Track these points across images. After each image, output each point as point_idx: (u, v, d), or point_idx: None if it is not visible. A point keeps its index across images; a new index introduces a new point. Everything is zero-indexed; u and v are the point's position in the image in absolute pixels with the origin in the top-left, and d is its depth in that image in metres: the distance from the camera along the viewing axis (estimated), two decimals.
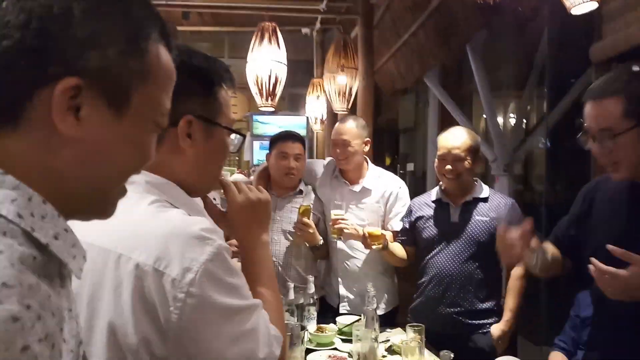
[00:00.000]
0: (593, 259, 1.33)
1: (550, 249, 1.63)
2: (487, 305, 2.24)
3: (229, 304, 0.81)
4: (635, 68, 1.41)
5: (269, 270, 1.04)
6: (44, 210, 0.50)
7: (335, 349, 2.11)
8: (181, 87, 0.65)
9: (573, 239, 1.61)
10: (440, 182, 2.39)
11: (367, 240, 2.26)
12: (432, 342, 2.00)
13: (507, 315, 2.26)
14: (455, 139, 2.25)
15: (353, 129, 2.51)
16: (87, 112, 0.52)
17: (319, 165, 2.73)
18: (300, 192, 2.59)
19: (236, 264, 1.04)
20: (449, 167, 2.22)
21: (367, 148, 2.55)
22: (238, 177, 3.00)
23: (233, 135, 0.99)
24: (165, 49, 0.61)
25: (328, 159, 2.81)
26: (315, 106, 5.39)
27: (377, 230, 2.29)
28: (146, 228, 0.81)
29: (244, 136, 1.03)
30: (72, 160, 0.53)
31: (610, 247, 1.31)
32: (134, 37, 0.56)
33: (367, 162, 2.62)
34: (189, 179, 0.93)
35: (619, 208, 1.46)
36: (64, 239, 0.52)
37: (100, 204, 0.59)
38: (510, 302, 2.26)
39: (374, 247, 2.28)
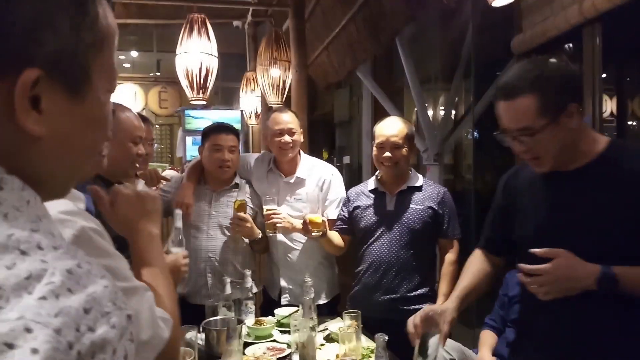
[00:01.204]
0: (521, 265, 1.35)
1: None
2: (421, 290, 2.31)
3: None
4: (543, 59, 1.43)
5: (160, 261, 1.03)
6: (43, 210, 0.47)
7: (274, 340, 2.10)
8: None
9: (503, 236, 1.61)
10: (377, 172, 2.44)
11: (307, 226, 2.26)
12: (370, 329, 2.03)
13: (441, 300, 2.33)
14: (392, 127, 2.30)
15: (294, 118, 2.54)
16: (47, 103, 0.46)
17: (253, 158, 2.71)
18: (236, 185, 2.55)
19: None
20: (387, 154, 2.27)
21: (301, 138, 2.58)
22: (170, 173, 2.91)
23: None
24: (109, 9, 0.55)
25: (263, 152, 2.79)
26: (249, 100, 5.33)
27: (318, 217, 2.30)
28: None
29: None
30: (38, 158, 0.48)
31: (532, 250, 1.34)
32: (82, 5, 0.49)
33: (299, 153, 2.62)
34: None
35: (541, 197, 1.48)
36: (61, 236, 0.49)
37: (63, 189, 0.55)
38: (443, 287, 2.34)
39: (313, 234, 2.29)
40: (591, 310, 1.34)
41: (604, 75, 2.47)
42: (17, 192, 0.44)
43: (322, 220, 2.30)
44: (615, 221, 1.31)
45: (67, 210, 0.78)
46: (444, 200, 2.33)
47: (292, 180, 2.54)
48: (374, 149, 2.34)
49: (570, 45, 2.92)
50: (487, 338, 2.34)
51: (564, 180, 1.41)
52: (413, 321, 1.52)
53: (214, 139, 2.46)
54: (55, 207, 0.75)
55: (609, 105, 4.12)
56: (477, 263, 1.69)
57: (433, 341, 2.23)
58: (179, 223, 1.84)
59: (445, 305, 1.58)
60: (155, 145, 8.16)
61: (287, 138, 2.46)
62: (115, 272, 0.80)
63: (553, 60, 1.40)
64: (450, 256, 2.36)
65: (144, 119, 1.93)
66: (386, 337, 1.46)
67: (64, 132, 0.49)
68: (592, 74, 2.39)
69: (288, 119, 2.50)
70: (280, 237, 2.51)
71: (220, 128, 2.52)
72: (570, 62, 3.06)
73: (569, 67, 1.41)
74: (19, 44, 0.44)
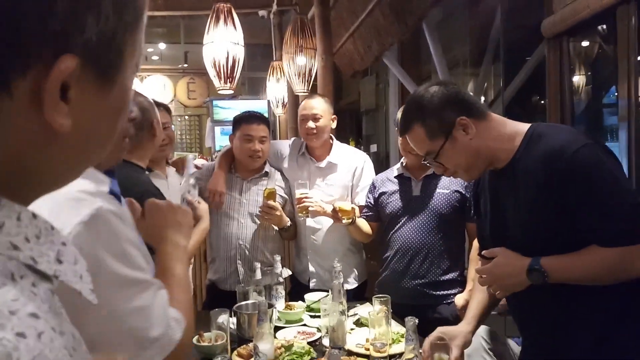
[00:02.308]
0: (476, 268, 1.46)
1: None
2: (450, 276, 2.30)
3: (113, 272, 0.74)
4: (423, 90, 1.49)
5: (182, 270, 1.01)
6: (37, 227, 0.39)
7: (305, 325, 2.13)
8: None
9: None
10: (403, 158, 2.43)
11: (337, 214, 2.28)
12: (399, 314, 2.04)
13: (470, 285, 2.32)
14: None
15: (322, 103, 2.53)
16: (76, 93, 0.39)
17: (285, 145, 2.72)
18: (266, 174, 2.58)
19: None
20: (407, 147, 2.25)
21: (334, 124, 2.58)
22: (200, 161, 2.96)
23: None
24: None
25: (293, 139, 2.81)
26: (275, 89, 5.35)
27: (347, 205, 2.31)
28: None
29: None
30: (55, 154, 0.41)
31: (483, 252, 1.43)
32: None
33: (332, 139, 2.63)
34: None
35: (487, 198, 1.54)
36: (66, 259, 0.40)
37: (73, 178, 0.47)
38: (472, 272, 2.33)
39: (343, 221, 2.30)
40: (543, 298, 1.38)
41: (639, 58, 2.40)
42: None
43: (352, 208, 2.31)
44: (537, 214, 1.33)
45: (86, 189, 0.77)
46: (470, 184, 2.32)
47: (323, 165, 2.55)
48: (399, 138, 2.32)
49: (604, 26, 2.84)
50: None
51: (498, 179, 1.48)
52: (424, 345, 1.57)
53: (245, 129, 2.48)
54: (74, 186, 0.72)
55: None
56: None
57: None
58: (192, 169, 2.01)
59: (460, 328, 1.65)
60: (185, 135, 8.31)
61: (310, 124, 2.48)
62: (130, 259, 0.77)
63: (433, 87, 1.46)
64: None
65: (157, 104, 1.96)
66: (416, 321, 1.47)
67: (87, 123, 0.41)
68: (627, 56, 2.32)
69: (313, 105, 2.51)
70: (308, 222, 2.53)
71: (251, 118, 2.54)
72: (603, 44, 2.99)
73: (449, 87, 1.46)
74: (57, 28, 0.37)
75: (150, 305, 0.79)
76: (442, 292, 2.29)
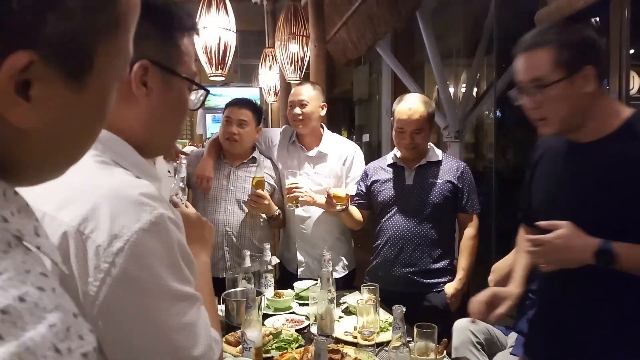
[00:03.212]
0: (526, 237, 1.37)
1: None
2: (440, 264, 2.32)
3: (166, 285, 0.69)
4: (565, 21, 1.41)
5: (208, 289, 0.98)
6: (18, 202, 0.39)
7: (293, 312, 2.13)
8: (137, 27, 0.48)
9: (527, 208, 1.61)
10: (395, 149, 2.44)
11: (332, 200, 2.27)
12: (389, 302, 2.05)
13: (460, 274, 2.34)
14: (413, 111, 2.26)
15: (310, 91, 2.52)
16: (39, 91, 0.38)
17: (276, 133, 2.71)
18: (254, 160, 2.56)
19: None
20: (407, 140, 2.27)
21: (323, 112, 2.57)
22: (190, 148, 2.94)
23: (194, 94, 0.88)
24: None
25: (284, 127, 2.80)
26: (268, 77, 5.31)
27: (342, 191, 2.30)
28: (79, 185, 0.69)
29: (207, 91, 0.91)
30: (25, 149, 0.41)
31: (537, 223, 1.35)
32: None
33: (323, 128, 2.62)
34: (142, 135, 0.81)
35: (555, 168, 1.48)
36: (42, 233, 0.41)
37: (55, 174, 0.47)
38: (462, 262, 2.35)
39: (337, 207, 2.29)
40: (604, 285, 1.33)
41: (632, 51, 2.40)
42: None
43: (346, 194, 2.30)
44: (621, 198, 1.29)
45: (148, 193, 0.72)
46: (463, 175, 2.33)
47: (313, 154, 2.54)
48: (394, 131, 2.31)
49: (597, 18, 2.84)
50: None
51: (579, 152, 1.40)
52: (477, 302, 1.55)
53: (227, 112, 2.50)
54: (140, 187, 0.72)
55: (637, 82, 4.02)
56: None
57: (459, 324, 2.25)
58: (183, 173, 1.98)
59: (510, 290, 1.60)
60: None
61: (297, 110, 2.47)
62: (182, 273, 0.73)
63: (577, 24, 1.37)
64: (469, 230, 2.36)
65: None
66: (404, 309, 1.47)
67: (58, 122, 0.41)
68: (619, 48, 2.32)
69: (301, 92, 2.51)
70: (297, 211, 2.52)
71: (235, 102, 2.55)
72: (597, 35, 2.99)
73: (592, 33, 1.37)
74: (12, 25, 0.36)
75: (196, 322, 0.74)
76: (432, 280, 2.32)
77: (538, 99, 1.35)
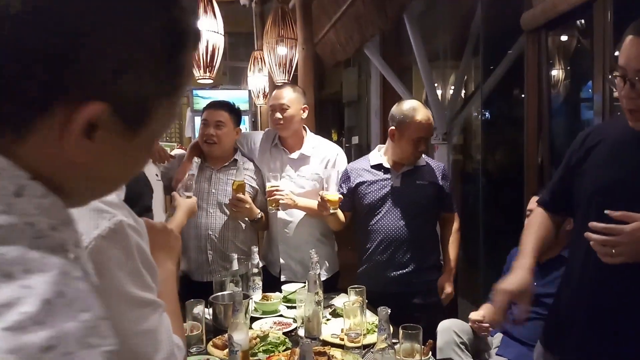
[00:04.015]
0: (593, 223, 1.28)
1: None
2: (431, 262, 2.37)
3: (126, 291, 0.71)
4: None
5: (172, 298, 0.98)
6: (68, 218, 0.45)
7: (281, 315, 2.13)
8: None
9: (569, 192, 1.55)
10: (379, 147, 2.46)
11: (325, 204, 2.25)
12: (381, 304, 2.06)
13: (450, 264, 2.41)
14: (430, 120, 2.32)
15: (289, 94, 2.50)
16: (102, 135, 0.45)
17: (258, 135, 2.71)
18: (235, 162, 2.55)
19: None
20: (422, 148, 2.32)
21: (304, 114, 2.55)
22: (178, 152, 2.93)
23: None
24: (193, 55, 0.53)
25: (267, 129, 2.79)
26: (257, 79, 5.31)
27: (335, 195, 2.29)
28: None
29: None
30: (72, 177, 0.47)
31: (608, 212, 1.26)
32: (173, 54, 0.47)
33: (305, 130, 2.62)
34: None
35: (623, 156, 1.39)
36: (82, 247, 0.46)
37: (80, 204, 0.53)
38: (452, 254, 2.45)
39: (331, 211, 2.29)
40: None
41: (616, 53, 2.43)
42: (36, 200, 0.42)
43: (339, 197, 2.30)
44: None
45: (108, 200, 0.73)
46: (445, 176, 2.42)
47: (295, 157, 2.54)
48: (410, 141, 2.27)
49: (582, 21, 2.87)
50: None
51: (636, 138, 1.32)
52: (494, 310, 1.49)
53: (204, 115, 2.51)
54: None
55: None
56: (539, 224, 1.63)
57: (443, 325, 2.27)
58: (194, 170, 2.05)
59: (522, 281, 1.49)
60: None
61: (278, 115, 2.47)
62: (143, 279, 0.74)
63: None
64: (455, 225, 2.47)
65: None
66: (389, 310, 1.48)
67: (107, 161, 0.48)
68: (602, 51, 2.35)
69: (280, 95, 2.50)
70: (279, 214, 2.52)
71: (212, 104, 2.55)
72: (581, 38, 3.02)
73: None
74: (100, 78, 0.43)
75: (157, 328, 0.76)
76: (425, 278, 2.35)
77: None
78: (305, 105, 2.55)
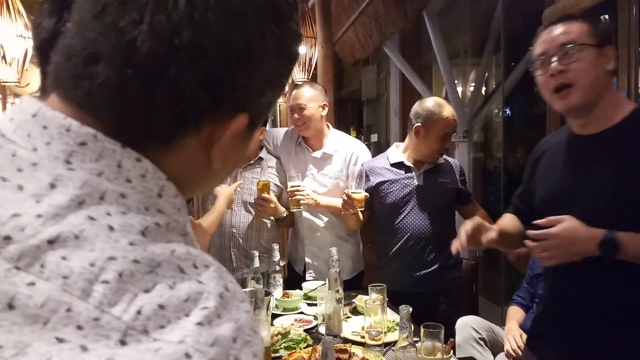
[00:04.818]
0: (528, 232, 1.38)
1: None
2: (452, 260, 2.36)
3: None
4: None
5: None
6: (187, 213, 0.49)
7: (302, 312, 2.15)
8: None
9: (528, 204, 1.64)
10: (397, 144, 2.46)
11: (353, 202, 2.24)
12: (403, 304, 2.06)
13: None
14: (454, 117, 2.32)
15: (308, 93, 2.49)
16: (232, 141, 0.49)
17: (282, 132, 2.72)
18: (260, 159, 2.57)
19: None
20: (448, 144, 2.34)
21: (324, 112, 2.54)
22: None
23: None
24: None
25: (292, 127, 2.80)
26: None
27: (361, 193, 2.28)
28: None
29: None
30: (198, 180, 0.51)
31: (536, 222, 1.36)
32: (294, 61, 0.52)
33: (328, 128, 2.62)
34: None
35: (560, 161, 1.49)
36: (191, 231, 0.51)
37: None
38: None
39: (358, 209, 2.28)
40: (608, 281, 1.35)
41: None
42: (172, 200, 0.45)
43: (365, 195, 2.30)
44: (625, 188, 1.31)
45: None
46: (462, 171, 2.45)
47: (318, 156, 2.54)
48: (437, 137, 2.27)
49: (606, 16, 2.83)
50: (515, 313, 2.35)
51: (582, 144, 1.43)
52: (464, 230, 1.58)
53: None
54: None
55: None
56: (511, 219, 1.72)
57: (461, 322, 2.26)
58: None
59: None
60: None
61: (296, 115, 2.48)
62: None
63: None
64: (482, 212, 2.43)
65: None
66: (410, 309, 1.49)
67: (228, 162, 0.51)
68: (627, 46, 2.31)
69: (298, 95, 2.50)
70: (305, 214, 2.53)
71: None
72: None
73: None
74: (247, 96, 0.46)
75: None
76: (450, 276, 2.34)
77: (568, 62, 1.35)
78: (325, 103, 2.54)
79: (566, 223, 1.32)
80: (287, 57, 0.50)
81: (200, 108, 0.44)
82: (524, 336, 2.10)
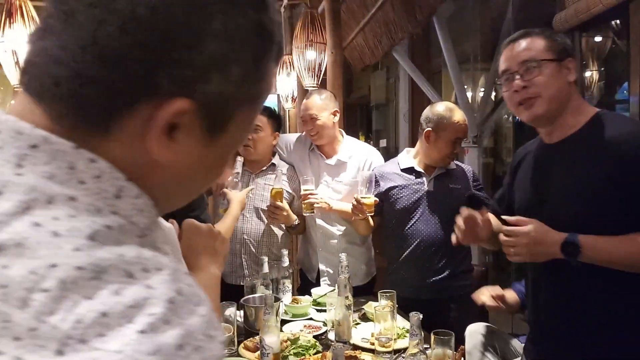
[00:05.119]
0: (502, 227, 1.44)
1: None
2: (463, 267, 2.34)
3: None
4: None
5: (216, 304, 1.00)
6: (155, 216, 0.46)
7: (311, 318, 2.15)
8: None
9: (505, 209, 1.68)
10: (408, 150, 2.45)
11: (362, 207, 2.24)
12: (414, 310, 2.05)
13: None
14: (465, 122, 2.29)
15: (317, 102, 2.49)
16: (182, 135, 0.45)
17: (294, 138, 2.73)
18: (273, 166, 2.57)
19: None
20: (458, 149, 2.32)
21: (336, 118, 2.54)
22: None
23: None
24: (276, 65, 0.53)
25: (300, 133, 2.81)
26: (285, 84, 5.34)
27: (370, 198, 2.28)
28: None
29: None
30: (150, 180, 0.46)
31: (504, 217, 1.43)
32: (259, 60, 0.48)
33: (342, 135, 2.62)
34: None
35: (530, 171, 1.56)
36: (169, 243, 0.49)
37: (169, 210, 0.53)
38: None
39: (367, 214, 2.28)
40: (575, 285, 1.41)
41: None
42: (132, 200, 0.43)
43: (375, 201, 2.30)
44: (589, 193, 1.35)
45: None
46: (475, 177, 2.42)
47: (333, 163, 2.54)
48: (448, 142, 2.26)
49: (618, 21, 2.81)
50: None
51: (550, 153, 1.48)
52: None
53: None
54: None
55: None
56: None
57: (471, 329, 2.24)
58: (239, 168, 2.34)
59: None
60: None
61: (308, 126, 2.48)
62: None
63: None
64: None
65: None
66: (421, 316, 1.47)
67: (183, 167, 0.47)
68: (639, 51, 2.29)
69: (308, 106, 2.49)
70: (319, 221, 2.52)
71: None
72: (617, 39, 2.96)
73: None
74: (188, 75, 0.43)
75: None
76: (458, 283, 2.32)
77: (530, 77, 1.41)
78: (336, 109, 2.55)
79: (536, 224, 1.39)
80: (243, 46, 0.46)
81: (132, 82, 0.42)
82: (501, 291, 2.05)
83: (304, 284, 2.66)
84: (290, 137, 2.78)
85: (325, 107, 2.49)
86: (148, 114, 0.43)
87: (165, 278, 0.39)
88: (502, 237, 1.45)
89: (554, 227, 1.37)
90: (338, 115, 2.56)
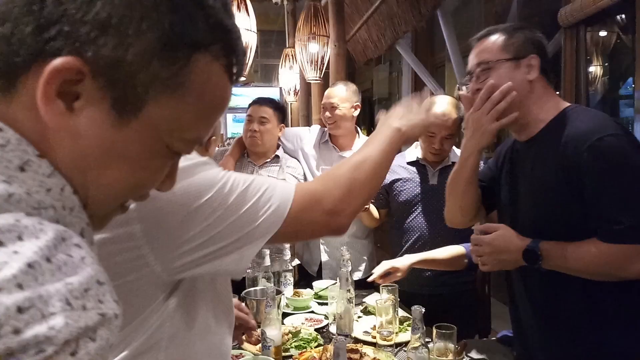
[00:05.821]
0: (472, 236, 1.43)
1: None
2: (467, 262, 2.31)
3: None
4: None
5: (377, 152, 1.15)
6: (73, 202, 0.45)
7: (312, 312, 2.15)
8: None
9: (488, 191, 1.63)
10: (416, 144, 2.42)
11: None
12: (415, 304, 2.05)
13: None
14: (446, 117, 2.16)
15: (342, 93, 2.50)
16: (83, 104, 0.43)
17: (304, 132, 2.72)
18: (277, 157, 2.57)
19: None
20: (436, 145, 2.20)
21: (356, 112, 2.54)
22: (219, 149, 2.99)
23: None
24: (224, 72, 0.51)
25: (313, 126, 2.81)
26: (288, 77, 5.33)
27: None
28: None
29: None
30: (60, 151, 0.45)
31: (475, 227, 1.42)
32: (174, 40, 0.45)
33: (358, 132, 2.62)
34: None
35: (505, 171, 1.52)
36: (88, 236, 0.46)
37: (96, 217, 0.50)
38: None
39: (370, 206, 2.28)
40: (545, 291, 1.37)
41: None
42: (40, 177, 0.42)
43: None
44: (544, 195, 1.31)
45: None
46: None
47: (347, 156, 2.53)
48: (424, 136, 2.21)
49: (623, 16, 2.79)
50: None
51: (520, 152, 1.44)
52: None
53: (249, 110, 2.54)
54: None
55: None
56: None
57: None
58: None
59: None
60: None
61: (327, 114, 2.48)
62: None
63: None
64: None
65: None
66: (423, 309, 1.47)
67: (92, 139, 0.45)
68: None
69: (331, 94, 2.51)
70: None
71: (257, 100, 2.59)
72: (622, 34, 2.94)
73: (541, 35, 1.42)
74: (81, 34, 0.42)
75: None
76: (462, 279, 2.30)
77: (484, 79, 1.37)
78: (358, 103, 2.55)
79: (500, 232, 1.36)
80: (147, 16, 0.44)
81: (25, 40, 0.42)
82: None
83: (304, 279, 2.66)
84: (298, 130, 2.78)
85: (348, 99, 2.49)
86: (41, 72, 0.42)
87: (39, 245, 0.36)
88: (471, 247, 1.44)
89: (525, 230, 1.33)
90: (359, 110, 2.56)
